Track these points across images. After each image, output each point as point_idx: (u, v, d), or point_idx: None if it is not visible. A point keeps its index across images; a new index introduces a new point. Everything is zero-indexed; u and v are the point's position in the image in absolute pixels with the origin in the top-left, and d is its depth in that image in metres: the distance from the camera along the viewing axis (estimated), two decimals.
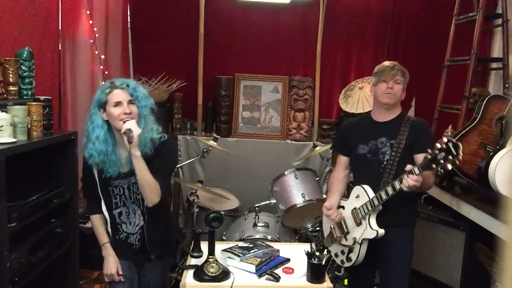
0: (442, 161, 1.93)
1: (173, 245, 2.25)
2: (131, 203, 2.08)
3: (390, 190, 2.14)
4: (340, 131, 2.65)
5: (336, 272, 3.34)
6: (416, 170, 2.02)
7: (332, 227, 2.44)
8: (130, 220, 2.10)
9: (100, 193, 2.08)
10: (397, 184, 2.11)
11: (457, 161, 1.93)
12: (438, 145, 1.95)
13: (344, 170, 2.53)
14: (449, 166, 1.94)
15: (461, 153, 1.91)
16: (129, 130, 1.82)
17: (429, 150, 1.99)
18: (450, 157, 1.91)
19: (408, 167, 2.06)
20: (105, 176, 2.01)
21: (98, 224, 2.15)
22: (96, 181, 2.06)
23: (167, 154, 2.04)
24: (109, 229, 2.14)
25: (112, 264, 2.11)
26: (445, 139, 1.94)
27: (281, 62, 4.46)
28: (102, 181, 2.04)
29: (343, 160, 2.52)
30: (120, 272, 2.12)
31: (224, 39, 4.41)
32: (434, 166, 1.96)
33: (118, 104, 1.90)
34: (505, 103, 2.73)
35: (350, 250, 2.33)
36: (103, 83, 3.59)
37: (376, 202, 2.19)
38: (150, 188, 1.91)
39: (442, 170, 1.97)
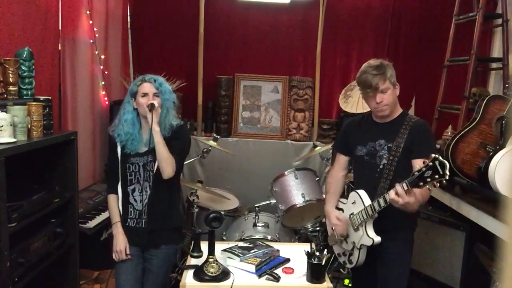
0: (429, 180, 1.86)
1: (176, 232, 2.32)
2: (144, 180, 2.26)
3: (382, 202, 2.09)
4: (342, 130, 2.56)
5: (340, 269, 3.35)
6: (404, 186, 1.94)
7: (333, 229, 2.43)
8: (141, 197, 2.25)
9: (120, 169, 2.28)
10: (387, 197, 2.05)
11: (444, 181, 1.85)
12: (425, 162, 1.87)
13: (343, 170, 2.49)
14: (437, 185, 1.87)
15: (447, 172, 1.81)
16: (152, 104, 2.16)
17: (417, 166, 1.91)
18: (437, 176, 1.84)
19: (397, 184, 1.99)
20: (126, 152, 2.26)
21: (115, 203, 2.32)
22: (118, 157, 2.28)
23: (183, 137, 2.31)
24: (120, 208, 2.30)
25: (121, 241, 2.25)
26: (432, 156, 1.86)
27: (281, 62, 4.46)
28: (123, 157, 2.28)
29: (342, 159, 2.47)
30: (128, 252, 2.24)
31: (224, 39, 4.41)
32: (421, 183, 1.89)
33: (145, 95, 2.20)
34: (505, 103, 2.73)
35: (350, 253, 2.32)
36: (102, 83, 3.63)
37: (370, 212, 2.16)
38: (166, 161, 2.17)
39: (429, 188, 1.90)
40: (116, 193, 2.31)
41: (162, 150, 2.14)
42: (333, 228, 2.38)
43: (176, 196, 2.40)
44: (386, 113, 2.23)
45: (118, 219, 2.29)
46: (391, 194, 1.99)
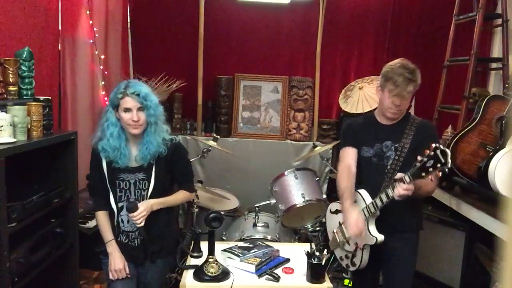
0: (431, 169, 1.86)
1: (173, 245, 2.25)
2: (134, 200, 2.09)
3: (384, 197, 2.07)
4: (347, 128, 2.42)
5: (343, 274, 3.33)
6: (407, 178, 1.94)
7: (334, 231, 2.40)
8: (129, 217, 2.07)
9: (108, 184, 2.11)
10: (390, 192, 2.04)
11: (446, 169, 1.85)
12: (426, 152, 1.87)
13: (353, 160, 2.28)
14: (439, 174, 1.87)
15: (449, 160, 1.82)
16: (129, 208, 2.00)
17: (418, 157, 1.91)
18: (439, 165, 1.84)
19: (399, 175, 1.98)
20: (114, 167, 2.08)
21: (104, 220, 2.14)
22: (104, 172, 2.10)
23: (183, 157, 2.21)
24: (115, 223, 2.14)
25: (119, 260, 2.10)
26: (433, 146, 1.86)
27: (281, 62, 4.46)
28: (111, 172, 2.09)
29: (352, 152, 2.30)
30: (127, 270, 2.12)
31: (224, 39, 4.41)
32: (423, 174, 1.89)
33: (128, 110, 2.00)
34: (505, 103, 2.73)
35: (353, 255, 2.31)
36: (102, 83, 3.62)
37: (372, 209, 2.14)
38: (184, 201, 2.31)
39: (432, 179, 1.92)
40: (105, 209, 2.14)
41: (176, 203, 2.22)
42: (345, 228, 2.27)
43: (173, 211, 2.31)
44: (396, 116, 2.22)
45: (111, 237, 2.12)
46: (400, 190, 1.96)
